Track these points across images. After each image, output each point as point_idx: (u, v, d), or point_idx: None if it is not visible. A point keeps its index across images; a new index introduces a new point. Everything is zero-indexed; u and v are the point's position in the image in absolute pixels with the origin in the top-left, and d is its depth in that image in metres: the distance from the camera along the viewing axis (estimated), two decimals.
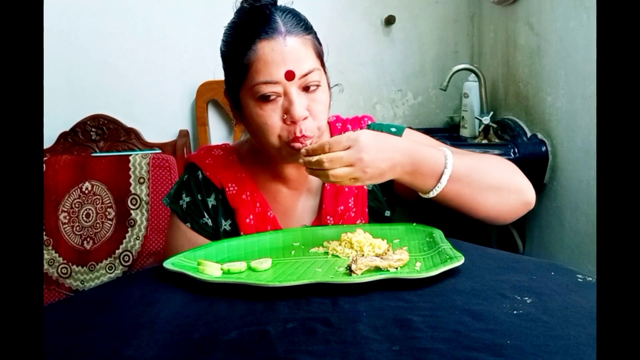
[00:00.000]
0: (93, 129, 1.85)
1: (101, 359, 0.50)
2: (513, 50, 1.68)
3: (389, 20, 1.96)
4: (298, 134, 0.78)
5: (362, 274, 0.64)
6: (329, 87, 0.86)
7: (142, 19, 1.88)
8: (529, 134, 1.57)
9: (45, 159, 1.72)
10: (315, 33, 0.84)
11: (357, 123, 0.95)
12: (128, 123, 1.87)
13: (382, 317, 0.53)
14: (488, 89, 1.80)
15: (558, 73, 1.41)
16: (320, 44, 0.84)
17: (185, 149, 1.88)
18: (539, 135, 1.51)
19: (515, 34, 1.66)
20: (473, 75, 1.81)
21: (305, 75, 0.78)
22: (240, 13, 0.81)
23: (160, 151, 1.82)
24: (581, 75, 1.29)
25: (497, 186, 0.81)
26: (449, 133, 1.95)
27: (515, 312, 0.53)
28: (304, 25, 0.81)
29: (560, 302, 0.55)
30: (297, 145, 0.78)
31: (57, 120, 1.81)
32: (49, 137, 1.82)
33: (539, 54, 1.51)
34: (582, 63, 1.29)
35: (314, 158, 0.72)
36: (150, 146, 1.87)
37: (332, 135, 0.93)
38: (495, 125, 1.67)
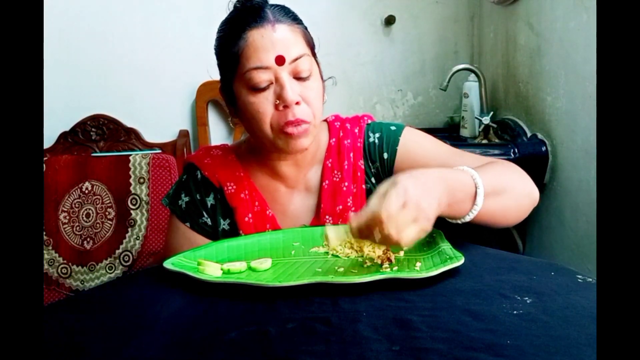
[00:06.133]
0: (93, 129, 1.85)
1: (101, 359, 0.50)
2: (513, 50, 1.68)
3: (389, 20, 1.96)
4: (291, 119, 0.78)
5: (362, 274, 0.64)
6: (322, 79, 0.86)
7: (141, 19, 1.88)
8: (529, 134, 1.57)
9: (45, 159, 1.72)
10: (305, 27, 0.85)
11: (356, 122, 0.95)
12: (128, 123, 1.88)
13: (382, 317, 0.53)
14: (488, 89, 1.80)
15: (558, 73, 1.41)
16: (310, 36, 0.86)
17: (185, 149, 1.88)
18: (539, 135, 1.51)
19: (515, 34, 1.66)
20: (473, 75, 1.81)
21: (295, 60, 0.79)
22: (232, 11, 0.84)
23: (160, 151, 1.82)
24: (581, 75, 1.29)
25: (515, 193, 0.79)
26: (449, 133, 1.95)
27: (515, 312, 0.53)
28: (292, 16, 0.83)
29: (560, 302, 0.55)
30: (290, 129, 0.79)
31: (57, 120, 1.82)
32: (49, 137, 1.83)
33: (539, 54, 1.51)
34: (582, 63, 1.29)
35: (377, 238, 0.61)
36: (150, 146, 1.87)
37: (330, 134, 0.93)
38: (495, 125, 1.67)
